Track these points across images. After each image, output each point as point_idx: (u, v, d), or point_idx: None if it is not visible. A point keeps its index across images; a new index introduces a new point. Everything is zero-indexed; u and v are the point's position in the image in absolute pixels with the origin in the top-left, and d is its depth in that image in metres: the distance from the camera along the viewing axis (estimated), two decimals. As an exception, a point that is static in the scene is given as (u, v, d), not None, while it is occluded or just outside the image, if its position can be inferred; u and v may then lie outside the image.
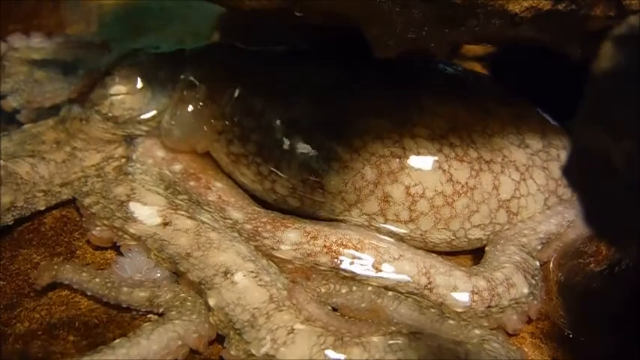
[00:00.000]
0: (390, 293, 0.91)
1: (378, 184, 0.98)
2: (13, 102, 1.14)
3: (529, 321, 0.94)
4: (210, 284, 0.89)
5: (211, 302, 0.87)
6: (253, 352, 0.82)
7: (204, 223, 0.96)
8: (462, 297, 0.92)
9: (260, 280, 0.89)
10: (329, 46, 1.14)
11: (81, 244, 0.99)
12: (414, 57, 1.18)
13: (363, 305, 0.90)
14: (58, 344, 0.85)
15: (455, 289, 0.92)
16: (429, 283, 0.92)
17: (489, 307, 0.92)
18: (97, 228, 0.97)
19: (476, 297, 0.92)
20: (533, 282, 0.95)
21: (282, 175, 1.01)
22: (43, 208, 1.01)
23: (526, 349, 0.90)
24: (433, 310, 0.90)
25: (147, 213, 0.97)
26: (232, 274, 0.89)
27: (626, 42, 0.54)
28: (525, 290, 0.93)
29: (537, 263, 0.98)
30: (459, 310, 0.91)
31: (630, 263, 0.88)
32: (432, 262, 0.95)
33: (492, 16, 0.85)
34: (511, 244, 0.99)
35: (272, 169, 1.01)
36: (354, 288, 0.92)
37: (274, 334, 0.82)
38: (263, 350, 0.81)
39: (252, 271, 0.90)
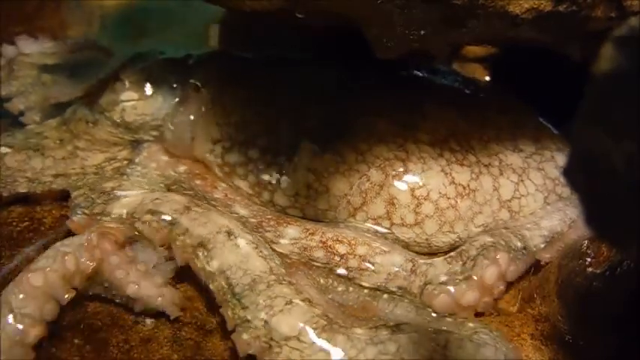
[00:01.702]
0: (386, 296, 0.92)
1: (384, 185, 0.98)
2: (19, 104, 1.14)
3: (507, 282, 0.94)
4: (212, 243, 0.89)
5: (214, 265, 0.87)
6: (249, 317, 0.82)
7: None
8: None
9: (260, 251, 0.90)
10: (329, 46, 1.14)
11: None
12: (415, 58, 1.18)
13: (356, 306, 0.91)
14: (62, 348, 0.85)
15: (432, 263, 0.95)
16: (413, 265, 0.94)
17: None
18: (77, 216, 0.97)
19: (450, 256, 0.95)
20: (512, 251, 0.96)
21: (286, 179, 1.01)
22: (24, 191, 1.02)
23: (526, 352, 0.90)
24: (429, 310, 0.90)
25: (133, 193, 0.98)
26: (235, 237, 0.90)
27: (627, 43, 0.54)
28: (488, 239, 0.95)
29: (526, 250, 0.98)
30: (444, 278, 0.92)
31: (631, 264, 0.88)
32: (416, 256, 0.98)
33: (493, 17, 0.85)
34: (510, 232, 1.00)
35: (276, 174, 1.01)
36: (351, 289, 0.92)
37: (273, 302, 0.83)
38: (260, 315, 0.82)
39: (252, 242, 0.90)
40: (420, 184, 0.99)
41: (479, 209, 1.00)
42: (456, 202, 0.99)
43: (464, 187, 1.00)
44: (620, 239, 0.58)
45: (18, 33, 1.30)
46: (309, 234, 0.96)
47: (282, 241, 0.96)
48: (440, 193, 0.99)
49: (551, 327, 0.93)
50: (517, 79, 1.22)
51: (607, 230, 0.58)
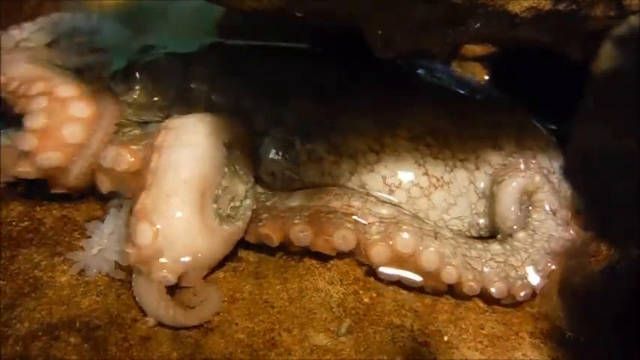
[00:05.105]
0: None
1: (355, 173, 1.01)
2: None
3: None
4: None
5: None
6: None
7: None
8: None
9: None
10: (329, 46, 1.14)
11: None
12: (413, 57, 1.19)
13: None
14: (58, 347, 0.85)
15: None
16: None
17: None
18: None
19: None
20: None
21: (266, 169, 1.05)
22: None
23: (525, 349, 0.91)
24: None
25: None
26: None
27: (626, 42, 0.54)
28: None
29: None
30: None
31: (630, 263, 0.88)
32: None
33: (492, 16, 0.85)
34: None
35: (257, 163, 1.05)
36: None
37: None
38: None
39: None
40: (393, 173, 1.02)
41: (454, 201, 1.03)
42: (430, 192, 1.01)
43: (437, 179, 1.02)
44: (620, 239, 0.59)
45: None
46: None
47: (291, 202, 1.00)
48: (412, 182, 1.02)
49: (550, 325, 0.94)
50: (517, 78, 1.22)
51: (607, 230, 0.58)
